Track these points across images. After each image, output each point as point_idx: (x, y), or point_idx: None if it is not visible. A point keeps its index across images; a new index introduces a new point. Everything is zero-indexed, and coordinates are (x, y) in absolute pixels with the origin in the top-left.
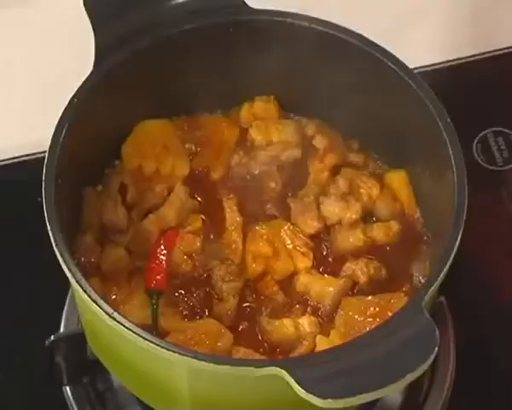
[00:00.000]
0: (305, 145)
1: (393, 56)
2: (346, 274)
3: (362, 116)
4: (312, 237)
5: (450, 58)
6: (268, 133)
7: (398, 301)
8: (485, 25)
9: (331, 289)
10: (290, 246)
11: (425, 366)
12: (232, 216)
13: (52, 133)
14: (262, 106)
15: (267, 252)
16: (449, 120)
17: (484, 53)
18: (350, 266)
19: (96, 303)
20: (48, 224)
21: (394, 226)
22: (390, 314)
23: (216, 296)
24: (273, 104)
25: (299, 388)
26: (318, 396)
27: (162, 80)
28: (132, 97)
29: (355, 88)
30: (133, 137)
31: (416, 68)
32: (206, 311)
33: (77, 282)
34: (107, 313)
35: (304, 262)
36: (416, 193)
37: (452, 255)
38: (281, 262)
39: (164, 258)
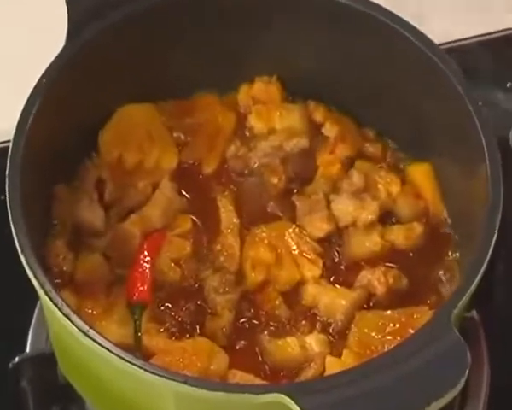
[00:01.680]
0: (313, 134)
1: (416, 30)
2: (361, 284)
3: (379, 99)
4: (321, 241)
5: (482, 32)
6: (270, 120)
7: (421, 315)
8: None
9: (343, 302)
10: (296, 252)
11: (454, 392)
12: (228, 217)
13: (17, 120)
14: (263, 88)
15: (268, 258)
16: (481, 103)
17: None
18: (365, 276)
19: (69, 319)
20: (12, 226)
21: (417, 228)
22: (412, 332)
23: (209, 311)
24: (275, 86)
25: None
26: None
27: (145, 58)
28: (111, 78)
29: (370, 66)
30: (112, 124)
31: (442, 44)
32: (197, 328)
33: (46, 293)
34: (81, 331)
35: (311, 270)
36: (443, 189)
37: (485, 262)
38: (285, 270)
39: (148, 266)
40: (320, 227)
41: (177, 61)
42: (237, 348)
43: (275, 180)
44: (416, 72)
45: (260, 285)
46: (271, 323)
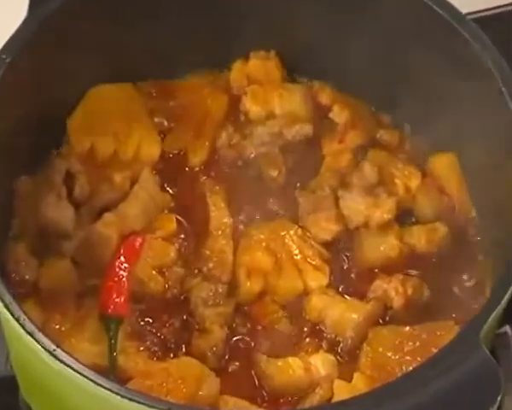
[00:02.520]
0: (319, 119)
1: None
2: (375, 296)
3: (396, 78)
4: (328, 244)
5: None
6: (268, 102)
7: (446, 332)
8: None
9: (354, 316)
10: (298, 257)
11: None
12: (219, 216)
13: None
14: (259, 65)
15: (267, 265)
16: None
17: None
18: (380, 285)
19: (32, 336)
20: None
21: (441, 229)
22: (435, 351)
23: (196, 326)
24: (274, 62)
25: None
26: None
27: (122, 31)
28: (81, 54)
29: (386, 40)
30: (82, 107)
31: (469, 14)
32: (183, 347)
33: (5, 306)
34: (47, 350)
35: (317, 279)
36: (471, 184)
37: None
38: (285, 279)
39: (125, 274)
40: (327, 228)
41: (158, 35)
42: (230, 370)
43: (274, 173)
44: (439, 49)
45: (257, 296)
46: (270, 340)
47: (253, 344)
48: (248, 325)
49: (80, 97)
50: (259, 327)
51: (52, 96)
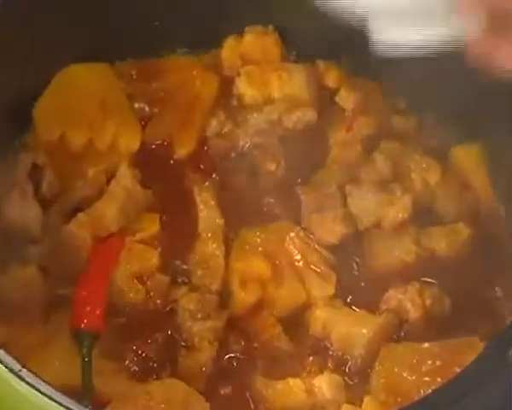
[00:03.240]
0: (324, 104)
1: None
2: (389, 307)
3: (412, 59)
4: (335, 248)
5: None
6: (265, 85)
7: (469, 349)
8: None
9: (364, 330)
10: (300, 263)
11: None
12: (208, 216)
13: None
14: (255, 42)
15: (264, 273)
16: None
17: None
18: (394, 295)
19: None
20: None
21: (463, 231)
22: (458, 371)
23: (183, 343)
24: (273, 38)
25: None
26: None
27: (96, 3)
28: (50, 30)
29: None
30: (52, 91)
31: None
32: (168, 366)
33: None
34: (10, 371)
35: (321, 288)
36: (497, 180)
37: None
38: (285, 289)
39: (101, 282)
40: (333, 230)
41: (138, 4)
42: (222, 393)
43: (272, 167)
44: None
45: (253, 309)
46: (267, 359)
47: (248, 363)
48: (242, 342)
49: (49, 80)
50: (255, 344)
51: (15, 77)
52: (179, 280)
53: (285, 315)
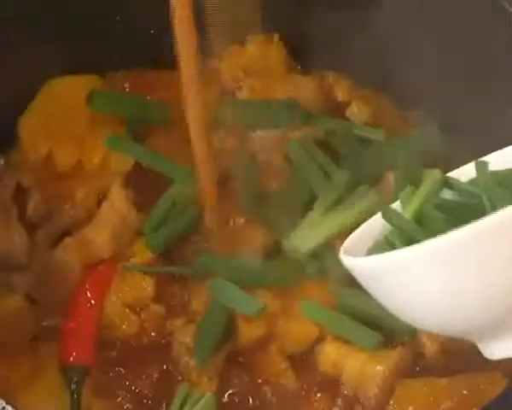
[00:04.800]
0: (334, 118)
1: None
2: (403, 341)
3: (428, 69)
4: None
5: None
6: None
7: (491, 386)
8: None
9: (379, 367)
10: None
11: None
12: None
13: None
14: (258, 52)
15: (273, 304)
16: None
17: None
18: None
19: None
20: None
21: None
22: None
23: (180, 378)
24: (277, 48)
25: None
26: None
27: (87, 9)
28: (36, 38)
29: (418, 21)
30: (38, 105)
31: None
32: (164, 405)
33: None
34: None
35: None
36: None
37: None
38: (296, 322)
39: (91, 313)
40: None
41: (131, 10)
42: None
43: (274, 185)
44: (482, 32)
45: (258, 343)
46: (274, 397)
47: (251, 401)
48: (245, 378)
49: (34, 93)
50: (259, 380)
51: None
52: (176, 311)
53: (294, 351)
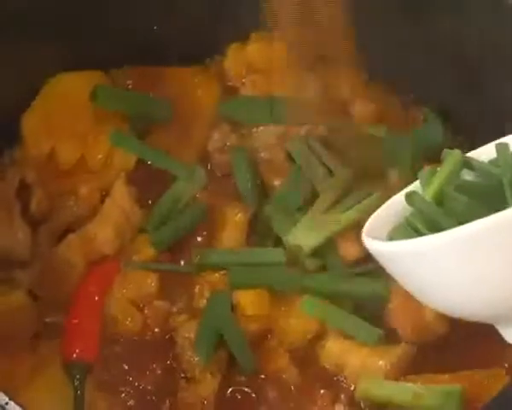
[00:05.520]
0: (337, 115)
1: None
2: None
3: (434, 64)
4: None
5: None
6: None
7: (494, 381)
8: None
9: (381, 362)
10: None
11: None
12: None
13: None
14: (261, 49)
15: (271, 299)
16: None
17: None
18: None
19: None
20: None
21: None
22: (479, 406)
23: (183, 375)
24: (280, 45)
25: None
26: None
27: (90, 6)
28: (39, 35)
29: (422, 14)
30: (41, 102)
31: None
32: (168, 401)
33: None
34: None
35: None
36: None
37: None
38: (296, 318)
39: (94, 310)
40: (351, 249)
41: (134, 6)
42: None
43: (276, 183)
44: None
45: (258, 338)
46: (275, 392)
47: (253, 397)
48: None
49: (38, 89)
50: (262, 376)
51: (1, 86)
52: (179, 307)
53: (295, 346)
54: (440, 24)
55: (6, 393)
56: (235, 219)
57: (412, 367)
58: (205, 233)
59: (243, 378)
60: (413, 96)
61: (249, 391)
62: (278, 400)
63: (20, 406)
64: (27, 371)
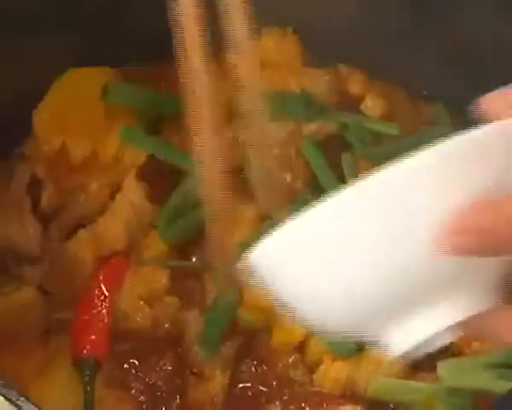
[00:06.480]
0: (347, 112)
1: None
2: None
3: (444, 62)
4: None
5: None
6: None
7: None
8: None
9: (392, 360)
10: None
11: None
12: None
13: None
14: (272, 43)
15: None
16: None
17: None
18: None
19: None
20: None
21: None
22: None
23: (192, 371)
24: (292, 41)
25: None
26: None
27: (99, 3)
28: (50, 31)
29: (434, 13)
30: (53, 97)
31: None
32: (177, 397)
33: None
34: (7, 399)
35: None
36: None
37: None
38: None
39: (104, 305)
40: None
41: (148, 4)
42: None
43: (288, 179)
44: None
45: (259, 334)
46: (288, 389)
47: (263, 394)
48: (258, 370)
49: (49, 84)
50: (272, 373)
51: (13, 81)
52: (190, 303)
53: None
54: (453, 23)
55: (16, 389)
56: (246, 216)
57: (422, 366)
58: None
59: (253, 375)
60: (425, 95)
61: (259, 388)
62: (288, 397)
63: (32, 402)
64: (37, 368)
